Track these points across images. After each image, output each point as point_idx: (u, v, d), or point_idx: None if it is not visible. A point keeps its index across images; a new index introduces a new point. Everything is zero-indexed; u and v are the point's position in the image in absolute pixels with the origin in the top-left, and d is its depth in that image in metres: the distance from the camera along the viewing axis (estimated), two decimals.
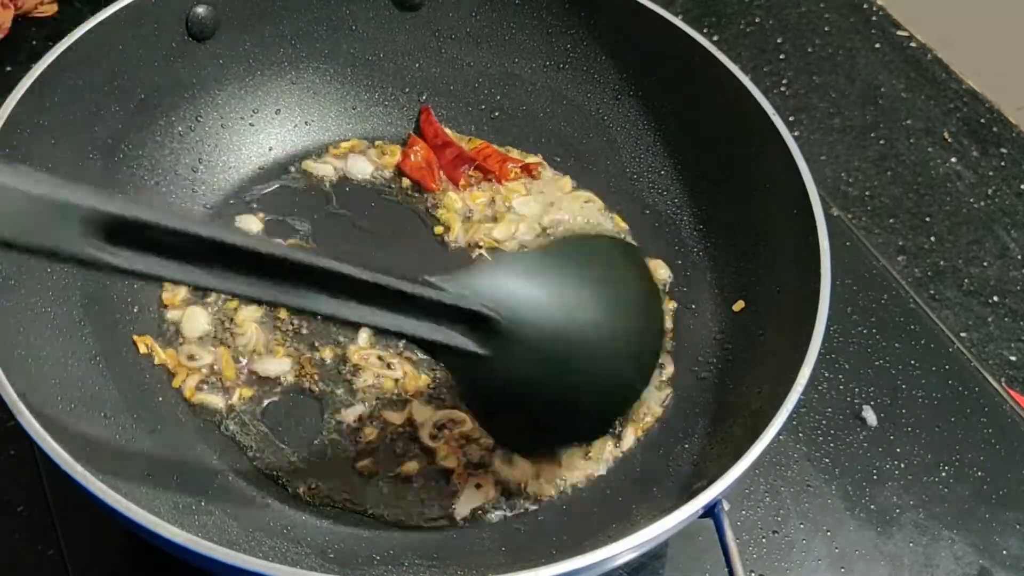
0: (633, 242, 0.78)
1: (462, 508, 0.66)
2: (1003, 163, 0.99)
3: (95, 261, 0.42)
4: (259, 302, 0.47)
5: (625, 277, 0.64)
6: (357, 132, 0.85)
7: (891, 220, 0.93)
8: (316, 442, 0.68)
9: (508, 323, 0.53)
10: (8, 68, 0.94)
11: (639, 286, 0.66)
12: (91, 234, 0.41)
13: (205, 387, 0.70)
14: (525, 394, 0.58)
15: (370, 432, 0.69)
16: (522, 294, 0.55)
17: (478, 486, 0.66)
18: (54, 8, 0.98)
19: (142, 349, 0.71)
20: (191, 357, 0.71)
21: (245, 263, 0.45)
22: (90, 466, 0.52)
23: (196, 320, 0.73)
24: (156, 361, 0.70)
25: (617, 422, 0.70)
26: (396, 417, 0.69)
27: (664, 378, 0.73)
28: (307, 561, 0.61)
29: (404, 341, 0.53)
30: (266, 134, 0.83)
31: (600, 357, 0.59)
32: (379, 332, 0.52)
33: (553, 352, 0.57)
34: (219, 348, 0.71)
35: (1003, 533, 0.73)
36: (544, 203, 0.81)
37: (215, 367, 0.71)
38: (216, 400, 0.69)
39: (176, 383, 0.70)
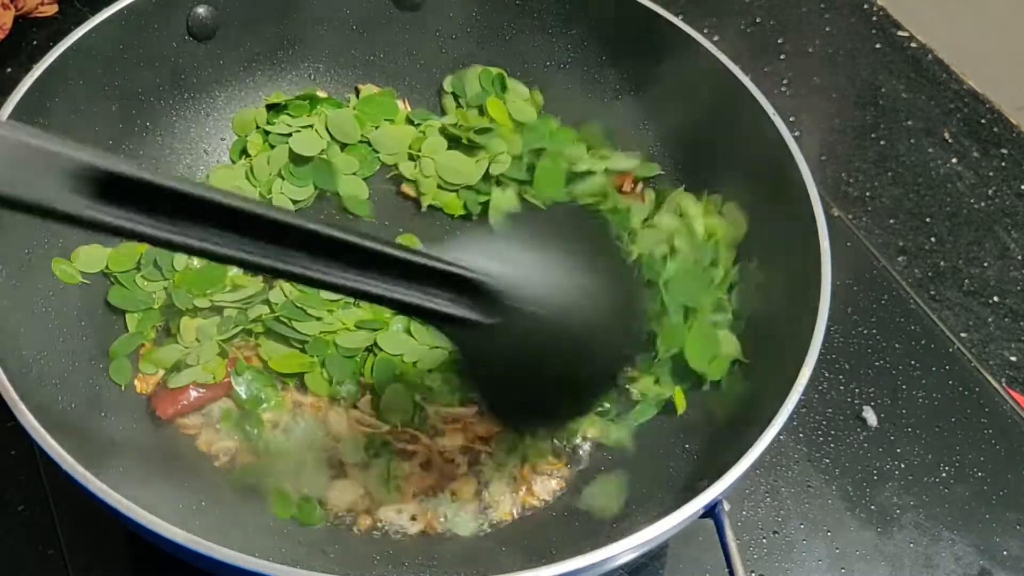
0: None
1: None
2: (1003, 163, 0.99)
3: (83, 218, 0.40)
4: (247, 265, 0.45)
5: (605, 247, 0.65)
6: None
7: (891, 221, 0.93)
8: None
9: (507, 292, 0.53)
10: (8, 68, 0.94)
11: (618, 255, 0.66)
12: (80, 190, 0.40)
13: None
14: (528, 364, 0.57)
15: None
16: (518, 264, 0.55)
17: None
18: (54, 8, 0.97)
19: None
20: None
21: (234, 225, 0.44)
22: (90, 466, 0.52)
23: None
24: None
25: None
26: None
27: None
28: (307, 561, 0.61)
29: (405, 312, 0.52)
30: None
31: (594, 326, 0.60)
32: (379, 302, 0.50)
33: (552, 321, 0.56)
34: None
35: (1003, 534, 0.73)
36: None
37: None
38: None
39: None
